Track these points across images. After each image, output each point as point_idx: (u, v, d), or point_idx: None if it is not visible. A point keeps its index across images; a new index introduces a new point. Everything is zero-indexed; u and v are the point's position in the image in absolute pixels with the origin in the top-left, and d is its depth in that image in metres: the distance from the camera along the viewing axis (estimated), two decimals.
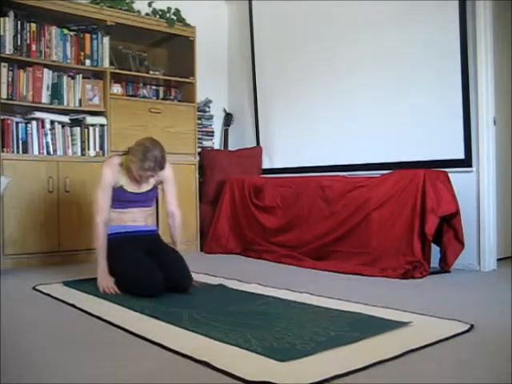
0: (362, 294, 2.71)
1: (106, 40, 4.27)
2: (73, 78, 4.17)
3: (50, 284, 3.05)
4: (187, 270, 2.85)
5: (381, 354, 1.69)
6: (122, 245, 2.87)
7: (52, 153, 4.00)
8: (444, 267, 3.45)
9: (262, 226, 4.33)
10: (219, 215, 4.62)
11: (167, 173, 3.00)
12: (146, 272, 2.68)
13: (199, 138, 5.06)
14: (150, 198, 3.06)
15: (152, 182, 3.01)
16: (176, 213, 3.11)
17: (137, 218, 3.00)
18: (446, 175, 3.51)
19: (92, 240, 2.89)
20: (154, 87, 4.80)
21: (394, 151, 3.96)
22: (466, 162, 3.62)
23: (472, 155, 3.60)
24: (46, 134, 3.99)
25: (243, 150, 5.17)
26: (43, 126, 3.98)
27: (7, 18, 3.83)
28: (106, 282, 2.78)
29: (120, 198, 2.91)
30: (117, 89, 4.44)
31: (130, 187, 2.94)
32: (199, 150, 4.95)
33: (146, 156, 2.75)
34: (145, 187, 2.99)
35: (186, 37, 4.71)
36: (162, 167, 2.81)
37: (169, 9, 4.63)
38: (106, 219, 2.84)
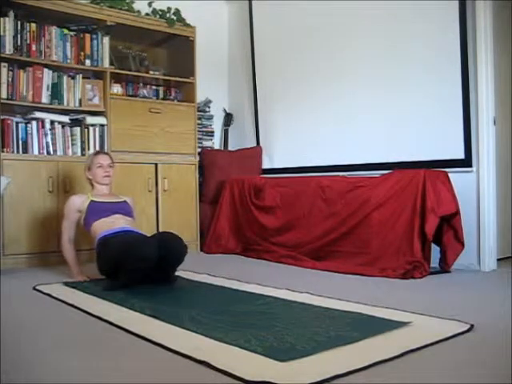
0: (362, 294, 2.71)
1: (106, 40, 4.27)
2: (73, 78, 4.17)
3: (50, 284, 3.05)
4: (181, 239, 2.98)
5: (381, 354, 1.69)
6: (115, 236, 3.02)
7: (52, 153, 4.01)
8: (444, 267, 3.45)
9: (262, 226, 4.32)
10: (219, 215, 4.62)
11: (130, 201, 3.46)
12: (140, 238, 2.91)
13: (199, 138, 5.06)
14: (126, 209, 3.37)
15: (120, 198, 3.39)
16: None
17: (124, 224, 3.19)
18: (446, 175, 3.51)
19: (64, 255, 3.29)
20: (154, 87, 4.80)
21: (394, 151, 3.96)
22: (466, 162, 3.61)
23: (472, 155, 3.60)
24: (46, 134, 3.99)
25: (243, 150, 5.17)
26: (43, 126, 3.98)
27: (7, 18, 3.83)
28: (81, 276, 3.22)
29: (98, 210, 3.21)
30: (117, 89, 4.44)
31: (100, 199, 3.30)
32: (199, 150, 4.95)
33: (94, 152, 3.56)
34: (116, 199, 3.36)
35: (186, 37, 4.70)
36: (107, 153, 3.55)
37: (169, 9, 4.63)
38: (69, 238, 3.26)
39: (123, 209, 3.31)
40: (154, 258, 2.73)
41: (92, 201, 3.25)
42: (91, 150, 4.16)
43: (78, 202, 3.26)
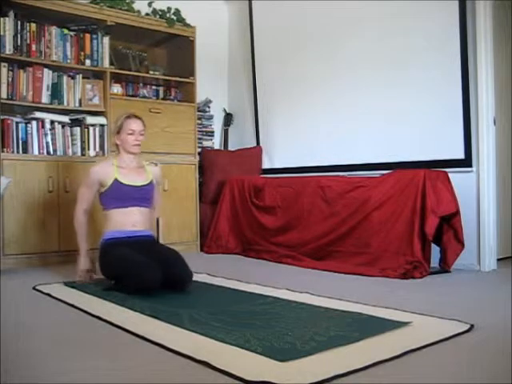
0: (361, 294, 2.71)
1: (106, 40, 4.27)
2: (73, 78, 4.17)
3: (50, 284, 3.05)
4: (187, 265, 2.87)
5: (381, 354, 1.69)
6: (119, 247, 2.88)
7: (52, 153, 4.01)
8: (444, 267, 3.45)
9: (262, 226, 4.32)
10: (219, 215, 4.62)
11: (158, 171, 3.24)
12: (143, 264, 2.70)
13: (199, 138, 5.06)
14: (148, 194, 3.09)
15: (147, 176, 3.12)
16: (157, 208, 3.31)
17: (136, 222, 3.02)
18: (446, 175, 3.51)
19: (75, 228, 3.08)
20: (154, 87, 4.80)
21: (394, 151, 3.96)
22: (466, 162, 3.61)
23: (472, 155, 3.60)
24: (46, 134, 3.99)
25: (243, 149, 5.17)
26: (43, 126, 3.98)
27: (7, 18, 3.83)
28: (84, 265, 3.03)
29: (118, 195, 2.97)
30: (117, 89, 4.44)
31: (126, 179, 3.02)
32: (199, 150, 4.96)
33: (126, 115, 3.09)
34: (141, 178, 3.08)
35: (186, 37, 4.71)
36: (140, 118, 3.13)
37: (169, 9, 4.64)
38: (85, 209, 3.03)
39: (143, 196, 3.06)
40: (156, 285, 2.65)
41: (116, 180, 2.98)
42: (91, 150, 4.16)
43: (101, 174, 3.00)
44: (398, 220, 3.45)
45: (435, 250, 3.50)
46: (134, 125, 3.04)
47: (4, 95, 3.81)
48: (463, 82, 3.59)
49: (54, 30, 4.04)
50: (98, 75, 4.30)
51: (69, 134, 4.12)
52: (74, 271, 3.21)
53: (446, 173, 3.53)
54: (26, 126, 3.94)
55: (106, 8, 4.23)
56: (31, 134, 3.94)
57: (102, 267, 2.96)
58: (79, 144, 4.14)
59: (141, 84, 4.70)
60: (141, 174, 3.12)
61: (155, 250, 2.95)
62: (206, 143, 5.24)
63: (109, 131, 4.21)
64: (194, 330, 2.02)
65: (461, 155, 3.63)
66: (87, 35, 4.20)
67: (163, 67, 4.81)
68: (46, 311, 2.47)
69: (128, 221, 3.00)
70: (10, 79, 3.87)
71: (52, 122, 4.03)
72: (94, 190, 3.03)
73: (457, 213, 3.40)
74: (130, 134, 3.02)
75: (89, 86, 4.23)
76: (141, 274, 2.64)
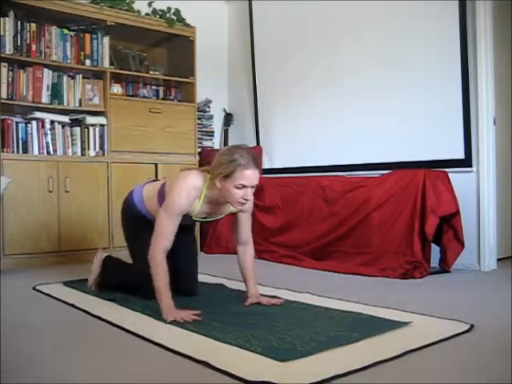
0: (361, 294, 2.71)
1: (106, 40, 4.27)
2: (73, 78, 4.17)
3: (50, 284, 3.05)
4: (195, 278, 2.78)
5: (381, 354, 1.69)
6: (146, 231, 2.41)
7: (52, 153, 4.00)
8: (444, 267, 3.45)
9: (262, 226, 4.32)
10: None
11: (250, 205, 2.49)
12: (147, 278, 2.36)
13: (199, 138, 5.06)
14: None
15: (225, 211, 2.50)
16: (250, 242, 2.71)
17: None
18: (446, 175, 3.51)
19: (152, 273, 2.25)
20: (154, 87, 4.80)
21: (393, 151, 3.96)
22: (466, 162, 3.61)
23: (472, 155, 3.60)
24: (46, 134, 3.99)
25: None
26: (43, 126, 3.98)
27: (7, 18, 3.83)
28: (178, 314, 2.17)
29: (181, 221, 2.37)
30: (117, 89, 4.43)
31: (200, 215, 2.45)
32: (199, 149, 4.95)
33: (242, 161, 2.19)
34: (215, 215, 2.51)
35: (185, 37, 4.70)
36: (259, 166, 2.29)
37: (169, 9, 4.63)
38: (167, 247, 2.28)
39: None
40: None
41: (188, 214, 2.39)
42: (91, 150, 4.16)
43: (187, 208, 2.33)
44: (397, 220, 3.45)
45: (435, 250, 3.50)
46: (249, 180, 2.22)
47: (4, 95, 3.81)
48: (463, 81, 3.59)
49: (54, 30, 4.04)
50: (98, 75, 4.30)
51: (69, 134, 4.12)
52: (78, 273, 3.21)
53: (446, 173, 3.53)
54: (26, 126, 3.93)
55: (106, 8, 4.23)
56: (31, 133, 3.94)
57: (126, 226, 2.75)
58: (79, 144, 4.13)
59: (141, 84, 4.69)
60: (220, 210, 2.49)
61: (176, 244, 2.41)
62: (205, 143, 5.23)
63: (109, 132, 4.21)
64: (193, 330, 2.02)
65: (461, 155, 3.63)
66: (87, 35, 4.20)
67: (163, 67, 4.81)
68: (46, 311, 2.47)
69: None
70: (10, 79, 3.87)
71: (52, 122, 4.03)
72: (178, 222, 2.32)
73: (457, 213, 3.40)
74: (240, 188, 2.24)
75: (89, 86, 4.23)
76: (142, 287, 2.50)
